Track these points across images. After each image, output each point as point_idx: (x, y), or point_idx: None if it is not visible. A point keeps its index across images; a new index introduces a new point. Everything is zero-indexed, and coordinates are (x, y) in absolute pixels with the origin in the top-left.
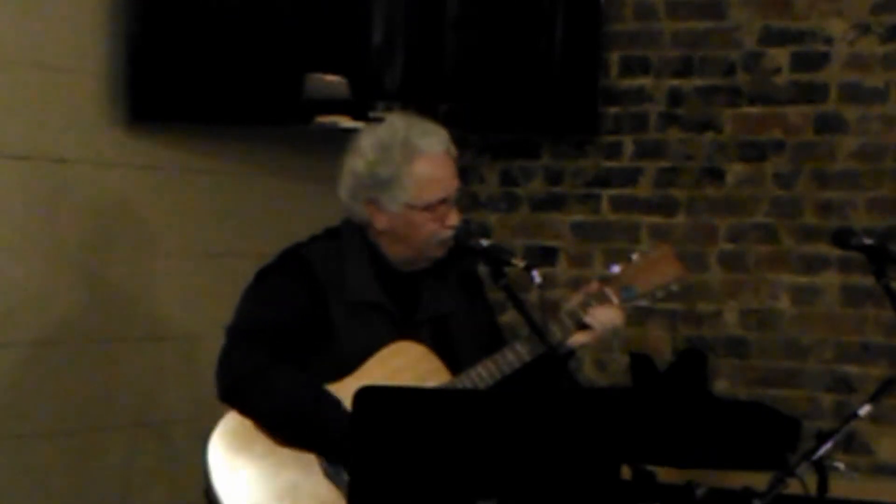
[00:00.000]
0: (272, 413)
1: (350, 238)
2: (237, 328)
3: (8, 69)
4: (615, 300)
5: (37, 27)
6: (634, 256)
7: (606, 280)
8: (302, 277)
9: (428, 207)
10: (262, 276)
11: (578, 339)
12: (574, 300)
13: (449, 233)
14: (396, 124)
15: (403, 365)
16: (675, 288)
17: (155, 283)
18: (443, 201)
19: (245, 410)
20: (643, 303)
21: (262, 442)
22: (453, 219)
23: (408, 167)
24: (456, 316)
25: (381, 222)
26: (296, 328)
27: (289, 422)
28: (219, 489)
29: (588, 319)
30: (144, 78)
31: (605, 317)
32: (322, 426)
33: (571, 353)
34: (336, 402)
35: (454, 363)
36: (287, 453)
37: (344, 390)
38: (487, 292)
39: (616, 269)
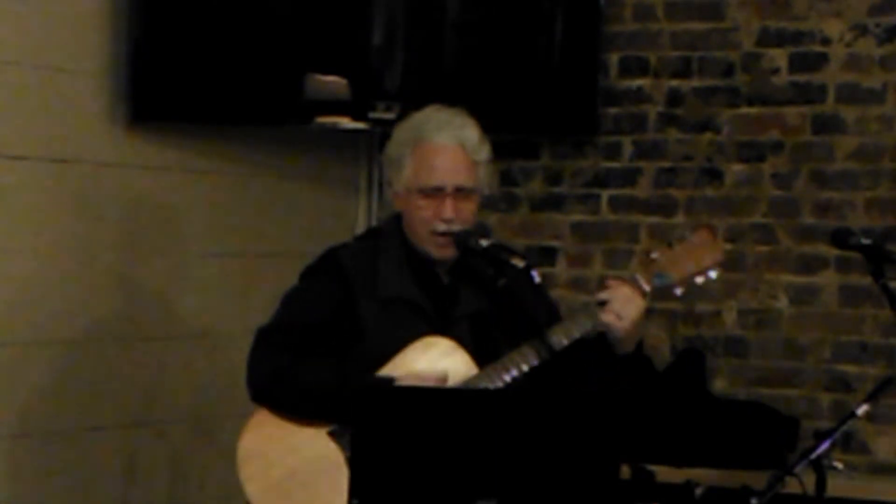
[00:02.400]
0: (302, 403)
1: (389, 236)
2: (265, 329)
3: (9, 69)
4: (645, 287)
5: (38, 28)
6: (675, 241)
7: (641, 266)
8: (332, 277)
9: (423, 193)
10: (301, 277)
11: (604, 321)
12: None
13: (442, 226)
14: (425, 112)
15: (429, 360)
16: (713, 275)
17: (156, 283)
18: (438, 190)
19: (276, 407)
20: (679, 291)
21: (287, 439)
22: (447, 212)
23: (410, 149)
24: (498, 313)
25: (395, 203)
26: (325, 327)
27: (320, 404)
28: (246, 484)
29: (603, 294)
30: (145, 78)
31: (626, 293)
32: (350, 396)
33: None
34: (359, 372)
35: (495, 359)
36: (311, 446)
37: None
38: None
39: (654, 254)
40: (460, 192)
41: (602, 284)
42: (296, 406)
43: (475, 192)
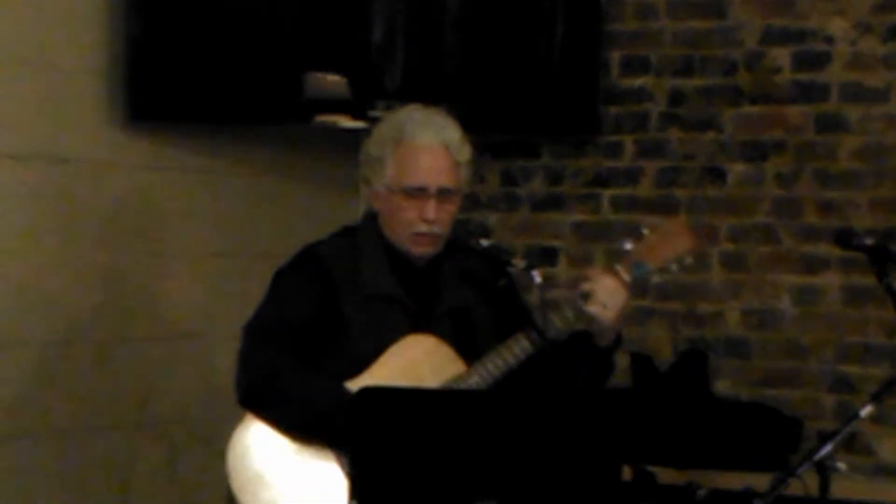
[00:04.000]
0: (288, 420)
1: (366, 233)
2: (253, 329)
3: (8, 69)
4: (626, 277)
5: (37, 27)
6: (646, 231)
7: (617, 257)
8: (315, 274)
9: (406, 193)
10: (279, 275)
11: (590, 311)
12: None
13: (423, 227)
14: (405, 111)
15: (417, 357)
16: (688, 261)
17: (154, 283)
18: (421, 190)
19: (262, 417)
20: (656, 278)
21: (281, 444)
22: (430, 213)
23: (392, 149)
24: (478, 309)
25: (374, 202)
26: (310, 325)
27: (305, 426)
28: (238, 495)
29: (587, 286)
30: (144, 78)
31: (609, 283)
32: (336, 424)
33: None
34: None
35: (477, 355)
36: (306, 455)
37: (359, 386)
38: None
39: (628, 245)
40: (443, 194)
41: (583, 276)
42: (282, 420)
43: (457, 194)
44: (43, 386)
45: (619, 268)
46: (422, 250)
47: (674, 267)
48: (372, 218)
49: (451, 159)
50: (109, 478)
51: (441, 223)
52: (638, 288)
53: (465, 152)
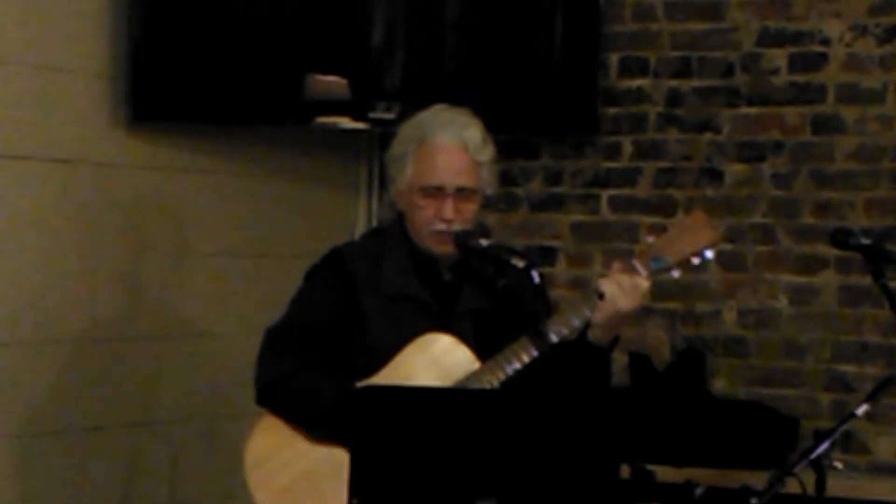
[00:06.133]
0: (301, 415)
1: (392, 234)
2: (271, 330)
3: (10, 69)
4: (643, 271)
5: (39, 28)
6: (669, 226)
7: (637, 252)
8: (335, 275)
9: (425, 192)
10: (306, 277)
11: (597, 316)
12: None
13: (441, 226)
14: (430, 110)
15: (434, 356)
16: (710, 255)
17: (155, 283)
18: (439, 189)
19: (278, 413)
20: (676, 273)
21: (294, 444)
22: (448, 212)
23: (414, 148)
24: (499, 312)
25: (397, 201)
26: (331, 325)
27: (316, 422)
28: (255, 492)
29: (606, 287)
30: (146, 78)
31: (623, 283)
32: (342, 422)
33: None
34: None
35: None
36: (318, 450)
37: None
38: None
39: (650, 239)
40: (461, 193)
41: (601, 274)
42: (294, 417)
43: (477, 193)
44: (47, 386)
45: (636, 263)
46: (443, 248)
47: (695, 261)
48: (399, 218)
49: (471, 159)
50: (112, 477)
51: (461, 222)
52: (655, 282)
53: (486, 153)
